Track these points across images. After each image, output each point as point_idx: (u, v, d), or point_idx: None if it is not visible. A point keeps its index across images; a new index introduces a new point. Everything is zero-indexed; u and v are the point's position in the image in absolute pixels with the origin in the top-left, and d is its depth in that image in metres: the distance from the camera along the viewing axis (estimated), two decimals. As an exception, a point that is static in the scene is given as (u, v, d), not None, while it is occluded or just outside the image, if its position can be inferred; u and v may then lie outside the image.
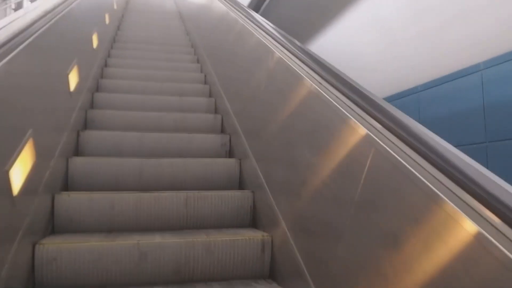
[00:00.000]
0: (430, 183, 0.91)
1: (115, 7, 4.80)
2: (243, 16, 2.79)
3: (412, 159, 1.01)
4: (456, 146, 0.97)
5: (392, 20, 3.76)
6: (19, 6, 7.40)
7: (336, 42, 4.82)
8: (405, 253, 0.95)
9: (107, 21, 4.68)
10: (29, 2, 7.68)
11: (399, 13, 3.66)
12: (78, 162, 2.28)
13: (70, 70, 2.44)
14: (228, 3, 3.38)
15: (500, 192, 0.78)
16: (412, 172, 0.97)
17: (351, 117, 1.30)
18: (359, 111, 1.29)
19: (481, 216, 0.78)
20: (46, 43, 2.00)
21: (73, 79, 2.51)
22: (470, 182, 0.83)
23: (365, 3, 4.12)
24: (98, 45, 3.73)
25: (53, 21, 2.07)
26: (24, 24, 1.71)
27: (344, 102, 1.38)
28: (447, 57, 3.16)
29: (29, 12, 1.78)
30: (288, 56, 1.90)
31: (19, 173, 1.45)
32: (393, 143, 1.09)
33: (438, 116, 3.21)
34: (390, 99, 3.65)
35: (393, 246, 0.98)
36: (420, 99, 3.45)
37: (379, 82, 3.79)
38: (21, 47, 1.57)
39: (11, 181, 1.36)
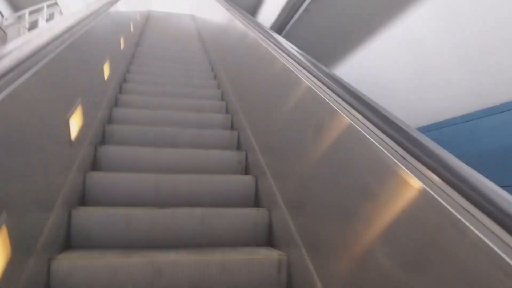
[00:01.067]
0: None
1: (131, 30, 4.83)
2: (264, 38, 2.77)
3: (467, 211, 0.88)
4: (503, 187, 0.86)
5: (428, 44, 3.50)
6: (33, 25, 7.43)
7: (364, 66, 4.63)
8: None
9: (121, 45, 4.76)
10: (44, 22, 7.78)
11: (436, 37, 3.39)
12: (95, 177, 2.30)
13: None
14: (250, 24, 3.36)
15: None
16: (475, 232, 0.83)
17: (386, 152, 1.19)
18: (393, 144, 1.19)
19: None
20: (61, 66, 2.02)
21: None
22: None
23: (399, 25, 3.88)
24: (111, 70, 3.79)
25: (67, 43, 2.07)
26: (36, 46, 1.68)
27: (380, 138, 1.25)
28: (492, 86, 2.86)
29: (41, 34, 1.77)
30: (313, 82, 1.84)
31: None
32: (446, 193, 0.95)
33: (479, 152, 2.86)
34: (425, 129, 3.33)
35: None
36: (459, 131, 3.13)
37: (411, 110, 3.55)
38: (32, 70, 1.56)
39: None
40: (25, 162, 1.39)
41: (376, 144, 1.22)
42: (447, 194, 0.93)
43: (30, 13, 7.54)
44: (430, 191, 0.96)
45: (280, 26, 5.52)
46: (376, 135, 1.26)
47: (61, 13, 8.69)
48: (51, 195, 1.69)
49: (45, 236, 1.54)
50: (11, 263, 1.23)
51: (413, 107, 3.73)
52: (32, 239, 1.44)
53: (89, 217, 1.96)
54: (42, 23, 7.57)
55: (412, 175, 1.04)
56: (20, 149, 1.35)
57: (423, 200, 0.98)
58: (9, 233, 1.22)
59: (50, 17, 8.01)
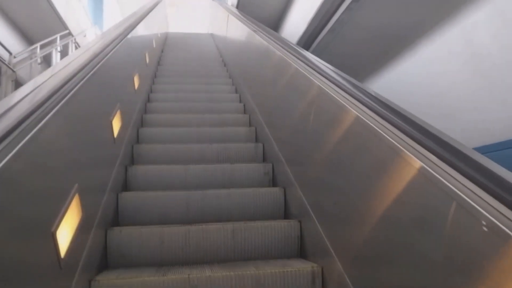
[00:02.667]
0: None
1: (147, 61, 4.69)
2: (292, 56, 2.70)
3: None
4: None
5: (490, 51, 2.98)
6: (46, 59, 6.73)
7: (410, 77, 4.03)
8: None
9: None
10: (58, 58, 6.88)
11: (499, 43, 2.88)
12: (127, 197, 2.36)
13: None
14: (278, 43, 3.07)
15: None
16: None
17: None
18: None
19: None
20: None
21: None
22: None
23: (455, 29, 3.33)
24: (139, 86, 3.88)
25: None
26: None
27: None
28: None
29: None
30: (337, 92, 1.78)
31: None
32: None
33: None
34: (483, 150, 2.84)
35: None
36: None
37: (469, 127, 3.05)
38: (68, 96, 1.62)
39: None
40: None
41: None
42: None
43: (42, 46, 6.77)
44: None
45: (307, 40, 5.18)
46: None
47: (75, 42, 7.91)
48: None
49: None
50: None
51: (472, 120, 3.16)
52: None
53: (123, 236, 2.01)
54: (56, 56, 6.91)
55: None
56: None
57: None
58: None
59: (64, 49, 7.22)
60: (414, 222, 1.15)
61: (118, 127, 2.49)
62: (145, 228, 2.08)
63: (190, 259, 2.04)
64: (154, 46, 6.00)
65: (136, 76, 3.46)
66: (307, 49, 4.53)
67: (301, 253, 2.13)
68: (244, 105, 4.19)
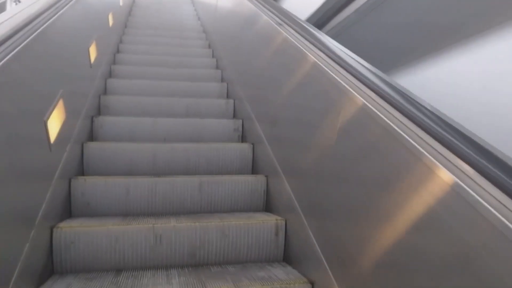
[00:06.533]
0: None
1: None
2: (262, 7, 2.61)
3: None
4: None
5: None
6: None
7: (457, 76, 3.21)
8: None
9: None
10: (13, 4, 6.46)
11: None
12: (92, 147, 2.30)
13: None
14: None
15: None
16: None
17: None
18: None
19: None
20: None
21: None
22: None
23: None
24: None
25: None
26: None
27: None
28: None
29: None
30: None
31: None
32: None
33: None
34: None
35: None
36: None
37: None
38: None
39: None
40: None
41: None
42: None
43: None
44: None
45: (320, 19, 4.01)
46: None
47: None
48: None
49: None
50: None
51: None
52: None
53: (88, 186, 1.98)
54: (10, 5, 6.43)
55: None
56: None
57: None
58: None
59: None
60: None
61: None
62: (110, 178, 2.05)
63: (156, 211, 2.05)
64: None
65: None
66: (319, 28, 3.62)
67: (267, 207, 2.16)
68: (216, 60, 4.11)
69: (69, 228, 1.64)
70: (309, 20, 3.97)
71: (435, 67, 3.51)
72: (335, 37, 2.66)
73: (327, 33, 3.45)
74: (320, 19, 4.04)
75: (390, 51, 3.81)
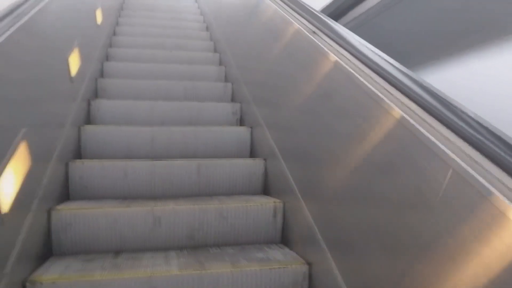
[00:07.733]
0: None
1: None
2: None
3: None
4: None
5: None
6: None
7: (494, 74, 2.69)
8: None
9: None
10: None
11: None
12: (90, 130, 2.29)
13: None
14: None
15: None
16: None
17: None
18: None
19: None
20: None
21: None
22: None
23: None
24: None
25: None
26: None
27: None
28: None
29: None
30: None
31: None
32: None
33: None
34: None
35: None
36: None
37: None
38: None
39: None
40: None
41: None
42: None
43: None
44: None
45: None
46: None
47: None
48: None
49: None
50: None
51: None
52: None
53: (86, 169, 1.97)
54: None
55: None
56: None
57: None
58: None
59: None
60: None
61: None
62: (108, 161, 2.04)
63: (154, 193, 2.04)
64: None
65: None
66: (336, 19, 3.21)
67: (265, 190, 2.17)
68: (214, 44, 4.06)
69: (67, 210, 1.64)
70: (323, 10, 3.50)
71: (468, 64, 3.03)
72: (353, 29, 2.25)
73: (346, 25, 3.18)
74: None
75: (418, 44, 3.38)
